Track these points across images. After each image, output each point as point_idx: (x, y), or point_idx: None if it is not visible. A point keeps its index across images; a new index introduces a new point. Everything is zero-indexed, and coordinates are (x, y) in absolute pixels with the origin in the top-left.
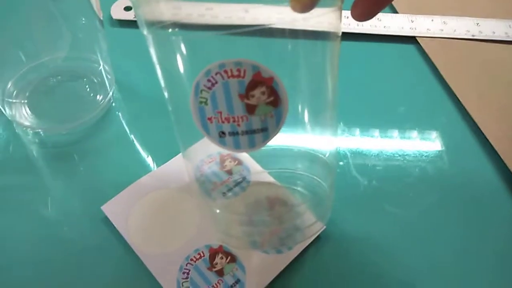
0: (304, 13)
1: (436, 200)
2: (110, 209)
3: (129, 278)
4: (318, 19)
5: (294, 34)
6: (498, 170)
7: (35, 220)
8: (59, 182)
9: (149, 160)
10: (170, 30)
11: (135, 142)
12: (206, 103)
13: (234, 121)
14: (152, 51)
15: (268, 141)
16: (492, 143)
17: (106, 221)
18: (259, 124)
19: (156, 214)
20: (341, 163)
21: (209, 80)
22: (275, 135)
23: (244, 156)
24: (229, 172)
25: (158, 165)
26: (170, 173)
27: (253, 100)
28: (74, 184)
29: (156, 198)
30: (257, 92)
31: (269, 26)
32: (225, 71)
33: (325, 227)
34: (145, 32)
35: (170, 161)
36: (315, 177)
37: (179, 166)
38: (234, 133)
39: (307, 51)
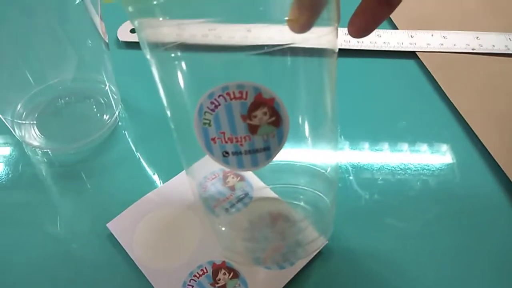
0: (302, 33)
1: (438, 213)
2: (115, 226)
3: None
4: (319, 38)
5: (294, 52)
6: (500, 182)
7: (43, 237)
8: (67, 200)
9: (155, 177)
10: (172, 54)
11: (141, 160)
12: (209, 124)
13: (237, 141)
14: (155, 71)
15: (271, 160)
16: (494, 156)
17: (111, 238)
18: (262, 143)
19: (160, 231)
20: (342, 177)
21: (212, 103)
22: (277, 153)
23: (247, 172)
24: (232, 188)
25: (164, 182)
26: (173, 191)
27: (256, 121)
28: (82, 202)
29: (160, 215)
30: (259, 113)
31: (272, 48)
32: (228, 94)
33: (327, 242)
34: (148, 56)
35: (173, 178)
36: (317, 192)
37: (182, 184)
38: (237, 153)
39: (306, 68)
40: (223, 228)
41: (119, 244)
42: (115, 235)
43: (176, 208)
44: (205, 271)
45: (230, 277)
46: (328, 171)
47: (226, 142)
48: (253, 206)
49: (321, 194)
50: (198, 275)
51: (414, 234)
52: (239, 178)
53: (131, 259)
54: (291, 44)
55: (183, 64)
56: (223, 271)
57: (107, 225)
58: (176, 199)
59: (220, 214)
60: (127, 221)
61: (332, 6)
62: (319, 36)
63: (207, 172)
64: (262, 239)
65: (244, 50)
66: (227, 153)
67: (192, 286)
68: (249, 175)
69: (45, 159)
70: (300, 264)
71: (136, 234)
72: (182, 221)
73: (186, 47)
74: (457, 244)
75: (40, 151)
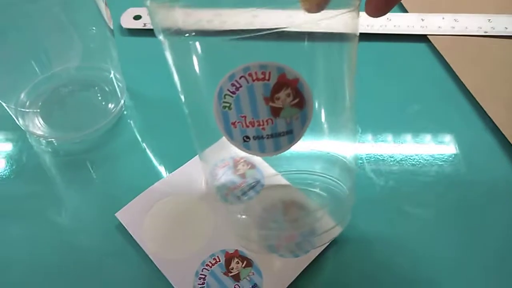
0: (317, 12)
1: (454, 198)
2: (124, 215)
3: (145, 284)
4: (333, 20)
5: (311, 36)
6: None
7: (49, 228)
8: (72, 190)
9: (161, 167)
10: (186, 35)
11: (147, 149)
12: (229, 107)
13: (259, 125)
14: (168, 55)
15: (294, 143)
16: (509, 139)
17: (120, 228)
18: (285, 126)
19: (170, 220)
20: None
21: (233, 84)
22: (300, 137)
23: (258, 159)
24: (243, 176)
25: (170, 172)
26: (183, 179)
27: (279, 103)
28: (88, 192)
29: (170, 204)
30: (282, 95)
31: (288, 29)
32: (250, 75)
33: (342, 229)
34: (160, 37)
35: (182, 166)
36: (333, 179)
37: (191, 172)
38: (259, 137)
39: (324, 53)
40: (241, 216)
41: (128, 233)
42: (124, 225)
43: (186, 196)
44: (217, 260)
45: (243, 266)
46: (347, 158)
47: (247, 126)
48: (264, 194)
49: (338, 181)
50: (210, 264)
51: (430, 221)
52: (249, 166)
53: (141, 248)
54: (305, 27)
55: (198, 45)
56: (236, 259)
57: (116, 214)
58: (185, 187)
59: (232, 201)
60: (137, 210)
61: None
62: (331, 17)
63: (217, 159)
64: (275, 226)
65: (255, 32)
66: (248, 137)
67: (205, 276)
68: (260, 162)
69: (49, 149)
70: (315, 252)
71: (146, 223)
72: (192, 209)
73: (197, 32)
74: (473, 230)
75: (44, 141)
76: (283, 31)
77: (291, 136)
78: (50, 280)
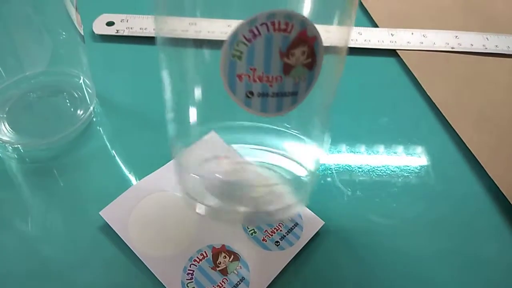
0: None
1: (420, 209)
2: (109, 214)
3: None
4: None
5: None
6: (479, 178)
7: (15, 237)
8: (38, 198)
9: (130, 174)
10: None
11: (116, 157)
12: (240, 57)
13: (267, 80)
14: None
15: (296, 106)
16: (473, 152)
17: (90, 233)
18: (291, 86)
19: (156, 217)
20: (324, 174)
21: (251, 31)
22: (302, 100)
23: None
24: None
25: (139, 179)
26: (167, 176)
27: (292, 60)
28: (54, 200)
29: (155, 201)
30: (298, 51)
31: None
32: (273, 23)
33: (324, 223)
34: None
35: (167, 164)
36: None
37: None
38: (263, 95)
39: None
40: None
41: (106, 235)
42: (109, 223)
43: (171, 193)
44: (205, 255)
45: (230, 260)
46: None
47: (255, 81)
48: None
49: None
50: (198, 260)
51: (394, 230)
52: None
53: (123, 247)
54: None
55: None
56: (223, 254)
57: (100, 213)
58: (170, 185)
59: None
60: (121, 209)
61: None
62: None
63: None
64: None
65: None
66: (251, 93)
67: (193, 271)
68: None
69: (15, 155)
70: (300, 244)
71: (131, 221)
72: (178, 206)
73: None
74: (440, 240)
75: (10, 147)
76: None
77: (295, 97)
78: None
